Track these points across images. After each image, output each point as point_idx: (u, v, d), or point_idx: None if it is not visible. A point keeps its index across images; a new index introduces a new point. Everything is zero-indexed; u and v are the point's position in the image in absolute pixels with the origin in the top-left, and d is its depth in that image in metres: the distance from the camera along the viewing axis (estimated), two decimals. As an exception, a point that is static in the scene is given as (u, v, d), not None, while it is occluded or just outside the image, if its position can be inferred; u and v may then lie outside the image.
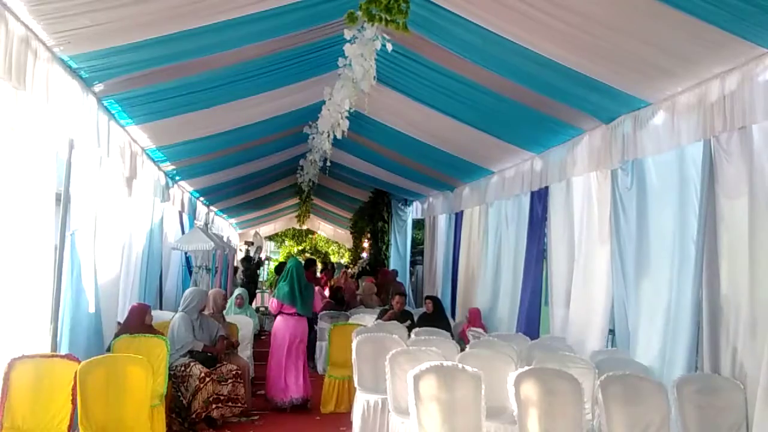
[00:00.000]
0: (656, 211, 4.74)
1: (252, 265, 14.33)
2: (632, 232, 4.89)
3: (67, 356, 4.08)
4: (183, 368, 5.44)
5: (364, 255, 15.27)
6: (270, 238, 21.18)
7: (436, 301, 7.72)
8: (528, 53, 4.31)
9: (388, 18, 3.49)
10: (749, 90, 3.56)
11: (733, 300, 3.83)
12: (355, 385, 5.12)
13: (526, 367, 3.97)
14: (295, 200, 14.87)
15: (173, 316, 5.91)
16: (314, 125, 7.39)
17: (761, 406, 3.35)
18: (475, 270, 8.65)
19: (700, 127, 3.99)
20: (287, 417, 6.21)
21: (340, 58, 4.86)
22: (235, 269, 14.31)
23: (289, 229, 20.61)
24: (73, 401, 3.87)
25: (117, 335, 5.15)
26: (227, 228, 15.12)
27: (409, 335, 5.82)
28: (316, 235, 21.61)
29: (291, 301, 6.29)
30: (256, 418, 5.96)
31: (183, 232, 9.23)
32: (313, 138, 7.84)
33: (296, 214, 16.66)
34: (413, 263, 13.71)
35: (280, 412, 6.31)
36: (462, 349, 5.06)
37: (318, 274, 12.06)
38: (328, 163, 7.68)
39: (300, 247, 21.71)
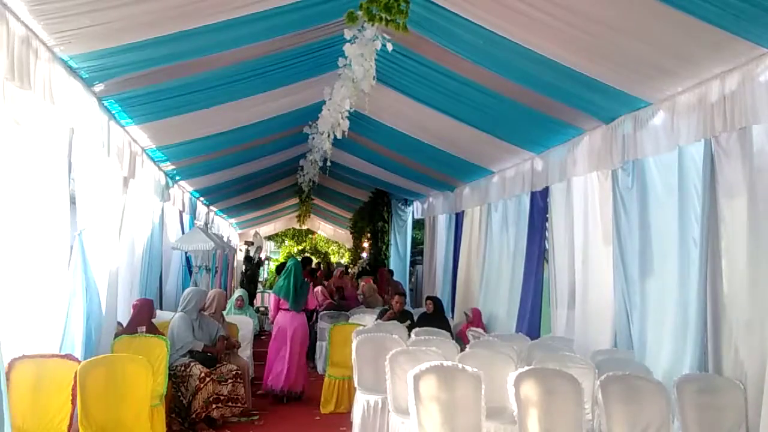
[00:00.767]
0: (657, 211, 4.74)
1: (252, 265, 14.34)
2: (634, 232, 4.89)
3: (67, 356, 4.08)
4: (183, 368, 5.44)
5: (364, 255, 15.27)
6: (270, 238, 21.17)
7: (436, 301, 7.73)
8: (528, 53, 4.31)
9: (388, 18, 3.49)
10: (750, 90, 3.56)
11: (735, 300, 3.82)
12: (355, 385, 5.12)
13: (526, 367, 3.97)
14: (295, 200, 14.87)
15: (173, 316, 5.91)
16: (314, 125, 7.39)
17: None
18: (476, 270, 8.65)
19: (700, 127, 3.99)
20: (287, 417, 6.21)
21: (340, 58, 4.86)
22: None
23: (289, 229, 20.61)
24: (73, 401, 3.87)
25: (120, 334, 5.16)
26: (227, 228, 15.12)
27: (409, 335, 5.82)
28: (316, 235, 21.60)
29: (285, 296, 6.76)
30: (256, 418, 5.96)
31: (183, 232, 9.23)
32: (313, 138, 7.84)
33: (296, 214, 16.67)
34: (413, 263, 13.71)
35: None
36: (461, 349, 5.06)
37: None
38: (329, 163, 7.68)
39: (300, 247, 21.71)
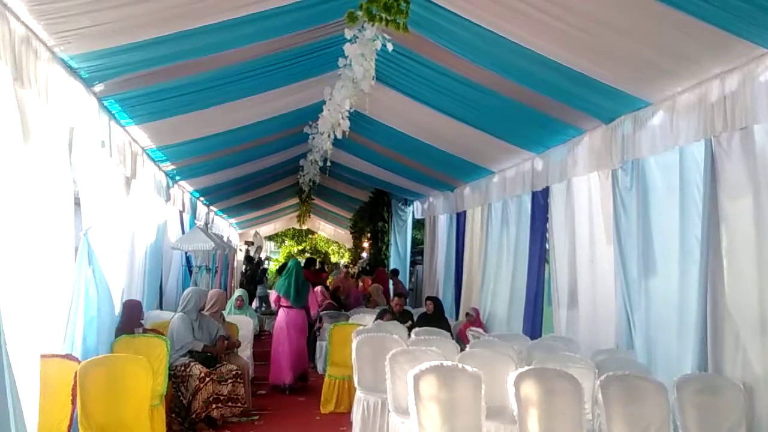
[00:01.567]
0: (658, 210, 4.74)
1: (253, 265, 14.35)
2: (634, 232, 4.89)
3: (67, 356, 4.08)
4: (183, 368, 5.44)
5: (364, 255, 15.27)
6: (270, 238, 21.19)
7: (436, 301, 7.73)
8: (528, 53, 4.32)
9: (388, 18, 3.49)
10: (750, 90, 3.56)
11: (741, 300, 3.79)
12: (355, 385, 5.12)
13: (526, 367, 3.97)
14: (295, 200, 14.88)
15: (173, 316, 5.91)
16: (314, 125, 7.40)
17: None
18: (480, 270, 8.65)
19: (700, 127, 3.99)
20: (287, 417, 6.21)
21: (340, 58, 4.86)
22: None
23: (289, 229, 20.62)
24: (73, 401, 3.87)
25: (117, 335, 5.16)
26: (227, 228, 15.12)
27: (409, 335, 5.82)
28: (316, 235, 21.61)
29: (286, 294, 7.20)
30: (256, 418, 5.96)
31: (183, 232, 9.23)
32: (314, 138, 7.85)
33: (296, 214, 16.68)
34: (413, 263, 13.71)
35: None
36: (461, 349, 5.06)
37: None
38: (329, 163, 7.69)
39: (300, 247, 21.72)
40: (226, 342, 5.91)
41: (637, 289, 4.83)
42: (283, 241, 22.16)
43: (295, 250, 21.50)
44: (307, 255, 18.85)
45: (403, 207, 13.07)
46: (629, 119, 4.81)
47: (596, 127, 5.37)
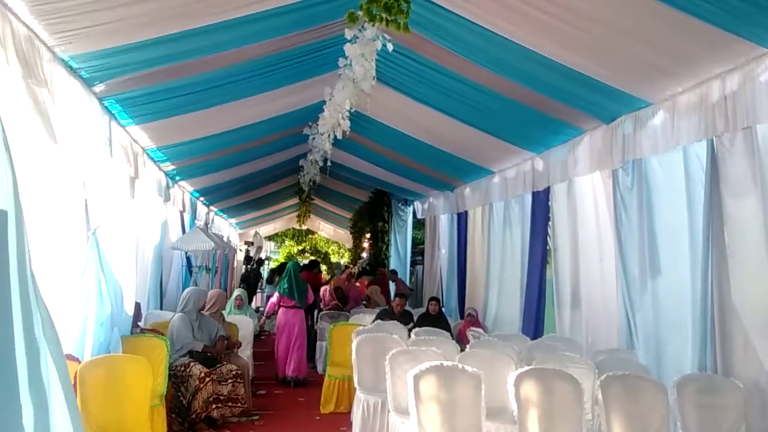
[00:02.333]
0: (660, 210, 4.74)
1: (254, 266, 14.33)
2: (636, 231, 4.89)
3: (67, 356, 4.06)
4: (183, 368, 5.44)
5: (364, 255, 15.26)
6: (270, 238, 21.18)
7: (439, 302, 7.74)
8: (528, 53, 4.32)
9: (389, 18, 3.49)
10: (751, 90, 3.56)
11: (748, 300, 3.76)
12: (355, 385, 5.12)
13: (526, 367, 3.97)
14: (295, 200, 14.87)
15: (173, 317, 5.91)
16: (314, 126, 7.40)
17: None
18: (483, 271, 8.65)
19: (701, 127, 3.99)
20: (287, 417, 6.21)
21: (340, 58, 4.86)
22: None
23: (289, 229, 20.62)
24: (74, 401, 3.87)
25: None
26: (227, 228, 15.12)
27: (409, 335, 5.82)
28: (316, 235, 21.61)
29: (290, 295, 7.73)
30: (256, 418, 5.96)
31: (183, 232, 9.23)
32: (314, 138, 7.85)
33: (296, 214, 16.67)
34: (413, 263, 13.70)
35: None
36: (461, 349, 5.06)
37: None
38: (329, 163, 7.69)
39: (300, 247, 21.71)
40: (226, 342, 5.91)
41: (640, 289, 4.83)
42: (283, 241, 22.15)
43: (295, 250, 21.49)
44: (309, 257, 18.90)
45: (403, 207, 13.06)
46: (630, 119, 4.81)
47: (596, 127, 5.37)
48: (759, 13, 3.17)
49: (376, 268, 12.53)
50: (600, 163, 5.34)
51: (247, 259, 14.90)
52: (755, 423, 3.62)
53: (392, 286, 11.17)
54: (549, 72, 4.52)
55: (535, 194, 6.78)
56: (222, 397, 5.48)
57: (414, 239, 13.91)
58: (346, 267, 14.58)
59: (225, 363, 5.72)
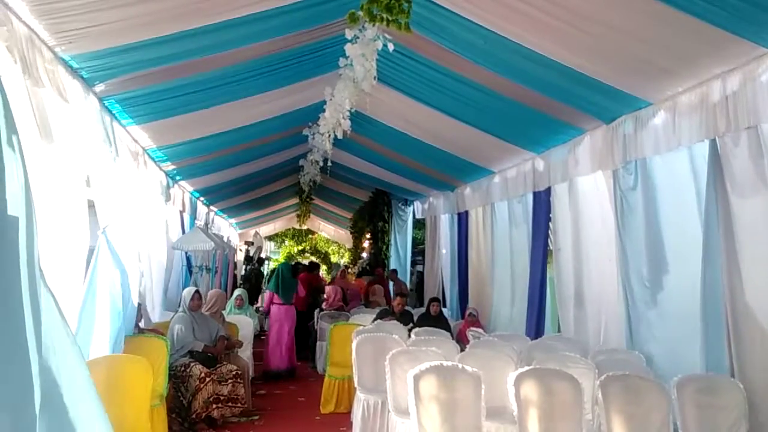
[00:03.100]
0: (664, 210, 4.74)
1: (255, 265, 14.30)
2: (639, 231, 4.88)
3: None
4: (183, 368, 5.44)
5: (364, 255, 15.26)
6: (270, 238, 21.16)
7: (440, 302, 7.72)
8: (529, 53, 4.32)
9: (389, 18, 3.49)
10: (752, 90, 3.56)
11: (762, 299, 3.72)
12: (355, 385, 5.12)
13: (526, 367, 3.97)
14: (295, 200, 14.87)
15: (173, 317, 5.91)
16: (315, 126, 7.40)
17: None
18: (484, 271, 8.65)
19: (703, 127, 3.98)
20: (287, 417, 6.21)
21: (341, 58, 4.86)
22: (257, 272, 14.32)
23: (289, 229, 20.60)
24: (74, 401, 3.87)
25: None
26: (227, 228, 15.12)
27: (409, 335, 5.83)
28: (316, 235, 21.59)
29: (276, 291, 8.26)
30: (256, 418, 5.96)
31: (183, 232, 9.23)
32: (314, 138, 7.85)
33: (296, 214, 16.68)
34: (414, 263, 13.70)
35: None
36: (461, 349, 5.06)
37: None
38: (329, 163, 7.69)
39: (300, 247, 21.71)
40: (226, 342, 5.91)
41: (644, 289, 4.82)
42: (283, 241, 22.13)
43: (295, 250, 21.49)
44: (309, 257, 18.95)
45: (403, 207, 13.07)
46: (630, 119, 4.81)
47: (597, 127, 5.37)
48: (759, 13, 3.18)
49: (376, 268, 12.54)
50: (600, 163, 5.34)
51: (248, 258, 14.88)
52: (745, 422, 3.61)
53: (392, 287, 11.18)
54: (549, 72, 4.53)
55: (535, 194, 6.78)
56: (222, 397, 5.48)
57: (414, 239, 13.91)
58: (346, 267, 14.60)
59: (225, 363, 5.72)
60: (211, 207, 11.88)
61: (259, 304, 12.72)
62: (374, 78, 4.59)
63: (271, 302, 8.27)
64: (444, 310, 8.82)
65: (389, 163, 9.56)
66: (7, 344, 1.70)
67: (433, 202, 11.20)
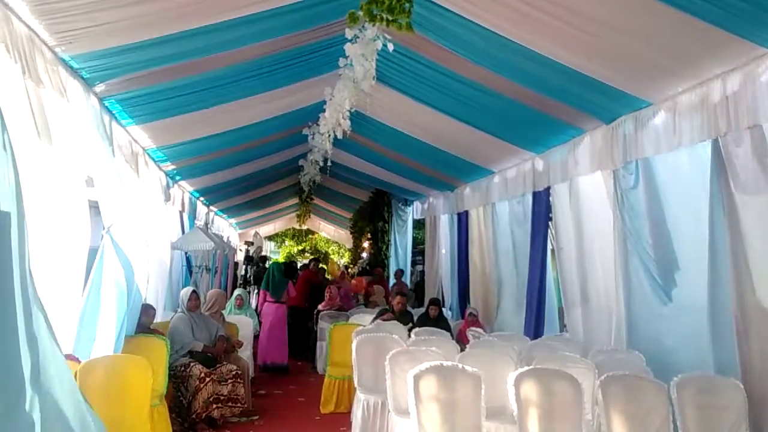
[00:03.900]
0: (666, 210, 4.73)
1: (259, 264, 14.26)
2: (640, 231, 4.87)
3: (67, 356, 4.06)
4: (183, 368, 5.44)
5: (364, 255, 15.27)
6: (270, 238, 21.17)
7: (439, 304, 7.69)
8: (529, 53, 4.32)
9: (390, 18, 3.50)
10: (752, 90, 3.56)
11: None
12: (355, 385, 5.12)
13: (526, 367, 3.97)
14: (295, 200, 14.87)
15: (173, 317, 5.91)
16: (315, 126, 7.40)
17: None
18: (484, 271, 8.65)
19: (704, 127, 3.97)
20: (287, 417, 6.21)
21: (341, 58, 4.86)
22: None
23: (289, 229, 20.61)
24: (74, 401, 3.87)
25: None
26: (227, 228, 15.12)
27: (409, 335, 5.83)
28: (316, 235, 21.60)
29: (266, 288, 8.79)
30: (256, 418, 5.96)
31: (183, 232, 9.23)
32: (314, 137, 7.85)
33: (296, 213, 16.68)
34: (414, 263, 13.70)
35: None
36: (461, 349, 5.06)
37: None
38: (329, 163, 7.68)
39: (300, 247, 21.71)
40: (226, 343, 5.91)
41: (646, 289, 4.81)
42: (283, 241, 22.14)
43: (295, 250, 21.49)
44: (309, 257, 18.94)
45: (403, 207, 13.07)
46: (630, 119, 4.81)
47: (597, 127, 5.37)
48: (759, 13, 3.18)
49: (375, 268, 12.54)
50: (600, 163, 5.34)
51: (248, 258, 14.87)
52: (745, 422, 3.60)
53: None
54: (549, 72, 4.53)
55: (535, 194, 6.78)
56: (222, 397, 5.48)
57: (414, 239, 13.91)
58: (346, 267, 14.60)
59: (225, 363, 5.72)
60: (211, 207, 11.88)
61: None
62: (373, 78, 4.59)
63: (264, 300, 8.71)
64: (444, 310, 8.81)
65: (389, 163, 9.56)
66: (1, 339, 1.71)
67: (432, 202, 11.20)
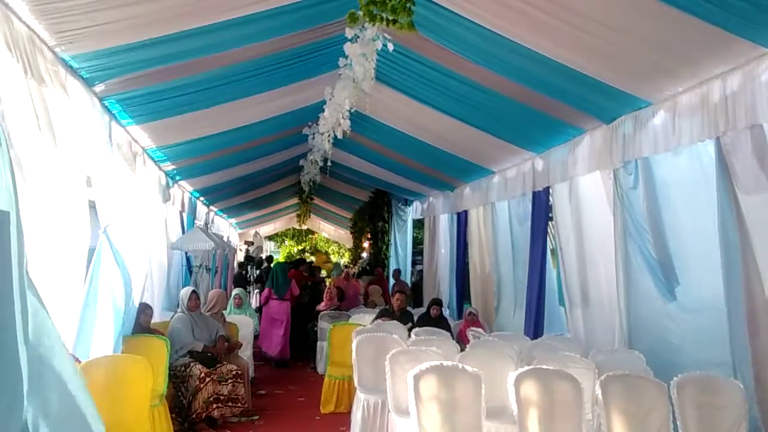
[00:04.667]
0: (667, 210, 4.73)
1: (263, 265, 14.25)
2: (641, 231, 4.87)
3: (67, 356, 4.07)
4: (183, 368, 5.44)
5: (364, 255, 15.27)
6: (270, 238, 21.19)
7: (440, 304, 7.69)
8: (528, 53, 4.32)
9: (390, 18, 3.49)
10: (751, 90, 3.55)
11: None
12: (355, 385, 5.13)
13: (526, 367, 3.97)
14: (295, 200, 14.88)
15: (172, 316, 5.91)
16: (314, 126, 7.40)
17: None
18: (484, 271, 8.64)
19: (703, 127, 3.97)
20: (287, 417, 6.22)
21: (340, 58, 4.86)
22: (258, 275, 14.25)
23: (289, 229, 20.62)
24: (74, 401, 3.87)
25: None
26: (227, 228, 15.12)
27: (409, 335, 5.83)
28: (316, 235, 21.61)
29: (271, 287, 9.17)
30: (256, 418, 5.96)
31: (183, 232, 9.23)
32: (314, 137, 7.85)
33: (296, 213, 16.69)
34: (414, 263, 13.70)
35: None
36: (461, 349, 5.06)
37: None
38: (329, 163, 7.67)
39: (300, 247, 21.72)
40: (226, 344, 5.91)
41: (646, 289, 4.81)
42: (283, 241, 22.16)
43: (295, 250, 21.50)
44: (308, 257, 18.96)
45: (403, 207, 13.07)
46: (630, 119, 4.81)
47: (597, 126, 5.37)
48: (759, 13, 3.17)
49: (376, 268, 12.54)
50: (600, 163, 5.34)
51: (248, 258, 14.87)
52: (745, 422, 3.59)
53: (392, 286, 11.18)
54: (549, 72, 4.52)
55: (535, 194, 6.78)
56: (222, 397, 5.48)
57: (414, 239, 13.91)
58: (346, 267, 14.58)
59: (225, 363, 5.72)
60: (211, 207, 11.88)
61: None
62: (372, 78, 4.59)
63: (269, 298, 9.15)
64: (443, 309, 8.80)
65: (389, 163, 9.56)
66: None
67: (432, 201, 11.21)
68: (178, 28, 4.00)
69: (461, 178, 9.15)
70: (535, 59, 4.36)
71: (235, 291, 9.15)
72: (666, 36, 3.67)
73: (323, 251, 20.39)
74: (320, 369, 8.21)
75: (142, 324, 5.34)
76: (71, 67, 3.92)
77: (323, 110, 6.39)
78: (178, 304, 6.02)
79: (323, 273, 13.70)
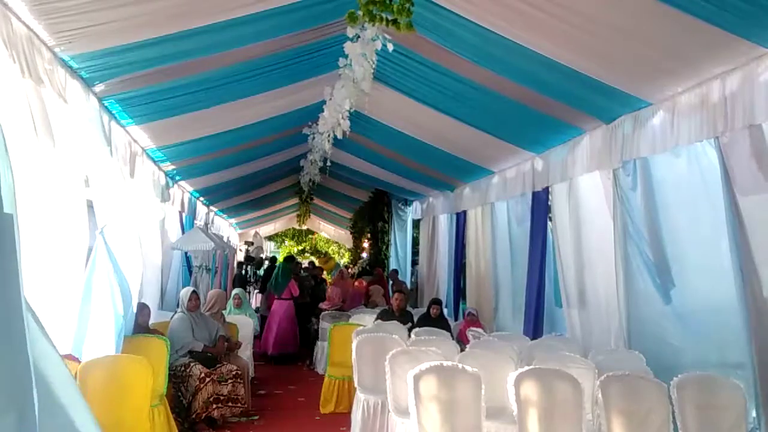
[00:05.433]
0: (667, 209, 4.73)
1: (266, 264, 14.21)
2: (640, 231, 4.87)
3: (67, 356, 4.07)
4: (183, 368, 5.44)
5: (364, 255, 15.26)
6: (270, 238, 21.17)
7: (440, 304, 7.68)
8: (528, 53, 4.31)
9: (389, 18, 3.49)
10: (750, 90, 3.55)
11: None
12: (355, 385, 5.12)
13: (526, 367, 3.97)
14: (295, 200, 14.87)
15: (172, 316, 5.91)
16: (314, 126, 7.40)
17: None
18: (483, 271, 8.64)
19: (703, 127, 3.97)
20: (287, 417, 6.21)
21: (340, 58, 4.86)
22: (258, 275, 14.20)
23: (289, 229, 20.60)
24: (73, 401, 3.86)
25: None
26: (227, 228, 15.11)
27: (409, 335, 5.82)
28: (316, 235, 21.60)
29: (272, 286, 9.62)
30: (256, 418, 5.96)
31: (183, 232, 9.23)
32: (313, 138, 7.85)
33: (296, 214, 16.69)
34: (414, 263, 13.70)
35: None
36: (461, 349, 5.06)
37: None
38: (329, 163, 7.67)
39: (300, 247, 21.71)
40: (226, 343, 5.91)
41: (647, 288, 4.81)
42: (283, 241, 22.15)
43: (295, 250, 21.49)
44: (308, 257, 18.96)
45: (403, 207, 13.06)
46: (629, 119, 4.81)
47: (596, 127, 5.37)
48: (759, 13, 3.17)
49: (375, 268, 12.53)
50: (600, 163, 5.34)
51: (248, 258, 14.85)
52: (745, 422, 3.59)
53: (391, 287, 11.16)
54: (549, 72, 4.52)
55: (534, 194, 6.78)
56: (222, 397, 5.48)
57: (414, 239, 13.91)
58: (345, 267, 14.57)
59: (225, 363, 5.71)
60: (211, 207, 11.88)
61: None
62: (372, 77, 4.59)
63: (273, 298, 9.53)
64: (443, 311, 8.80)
65: (389, 163, 9.56)
66: (7, 339, 1.71)
67: (432, 201, 11.21)
68: (178, 28, 4.00)
69: (461, 178, 9.15)
70: (534, 59, 4.36)
71: (235, 291, 9.14)
72: (666, 36, 3.67)
73: (323, 252, 20.39)
74: (320, 369, 8.21)
75: (140, 323, 5.34)
76: (71, 67, 3.92)
77: (323, 110, 6.39)
78: (177, 305, 6.01)
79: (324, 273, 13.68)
